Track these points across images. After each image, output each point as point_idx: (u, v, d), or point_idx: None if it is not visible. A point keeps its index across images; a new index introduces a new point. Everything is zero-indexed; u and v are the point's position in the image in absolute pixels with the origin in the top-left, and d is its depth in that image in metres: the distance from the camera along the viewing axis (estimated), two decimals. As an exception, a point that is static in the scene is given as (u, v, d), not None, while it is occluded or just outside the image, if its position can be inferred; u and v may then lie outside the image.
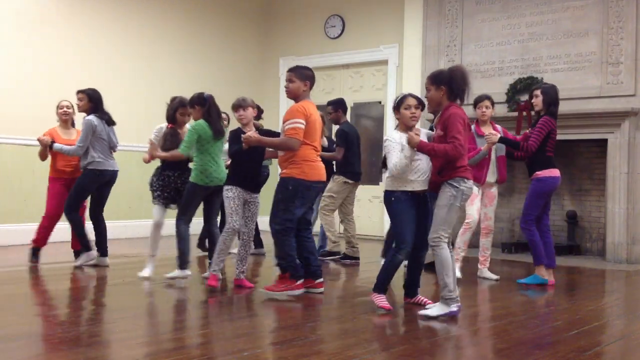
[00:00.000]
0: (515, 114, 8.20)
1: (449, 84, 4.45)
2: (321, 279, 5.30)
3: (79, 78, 7.95)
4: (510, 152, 6.11)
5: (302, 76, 5.12)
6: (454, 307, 4.37)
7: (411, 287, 4.84)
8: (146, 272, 5.76)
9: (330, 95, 9.89)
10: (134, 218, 8.90)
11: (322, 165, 5.18)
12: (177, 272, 5.68)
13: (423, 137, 4.57)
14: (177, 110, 5.83)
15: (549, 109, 5.87)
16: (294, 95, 5.16)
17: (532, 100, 6.01)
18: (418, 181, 4.54)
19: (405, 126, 4.57)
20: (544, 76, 8.20)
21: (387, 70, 9.92)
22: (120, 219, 8.71)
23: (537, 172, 5.82)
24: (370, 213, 10.02)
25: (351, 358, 3.44)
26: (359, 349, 3.64)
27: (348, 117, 10.33)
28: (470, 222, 6.10)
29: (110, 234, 6.62)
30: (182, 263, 5.66)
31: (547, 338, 4.00)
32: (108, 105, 6.61)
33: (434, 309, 4.41)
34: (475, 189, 6.03)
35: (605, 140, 7.88)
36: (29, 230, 7.44)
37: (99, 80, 8.74)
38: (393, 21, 9.74)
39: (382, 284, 4.65)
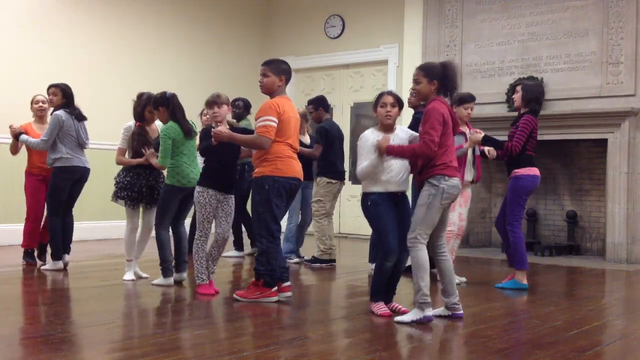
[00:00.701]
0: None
1: (442, 79, 4.31)
2: (288, 283, 5.05)
3: (79, 78, 7.95)
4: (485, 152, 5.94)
5: (278, 70, 4.83)
6: (428, 312, 4.19)
7: (386, 292, 4.57)
8: (129, 276, 5.65)
9: (330, 95, 9.89)
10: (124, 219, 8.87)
11: (297, 163, 4.89)
12: (160, 280, 5.43)
13: (404, 137, 4.43)
14: (146, 107, 5.58)
15: (528, 105, 5.72)
16: (268, 91, 4.87)
17: (513, 96, 5.87)
18: (393, 182, 4.37)
19: (381, 125, 4.45)
20: (544, 76, 8.20)
21: (387, 70, 9.92)
22: (111, 219, 8.67)
23: (516, 170, 5.66)
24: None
25: (351, 358, 3.44)
26: (359, 349, 3.64)
27: (348, 116, 10.42)
28: (452, 229, 5.87)
29: (101, 235, 6.57)
30: (165, 270, 5.40)
31: (547, 338, 3.99)
32: (107, 105, 6.63)
33: (408, 315, 4.25)
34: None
35: (605, 140, 7.88)
36: (29, 230, 7.44)
37: (97, 80, 8.77)
38: (393, 21, 9.73)
39: (377, 292, 4.51)
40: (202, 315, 4.61)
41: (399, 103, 4.46)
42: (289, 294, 5.02)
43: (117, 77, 9.04)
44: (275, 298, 4.84)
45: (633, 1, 7.71)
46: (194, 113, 9.53)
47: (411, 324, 4.17)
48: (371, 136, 4.42)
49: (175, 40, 9.85)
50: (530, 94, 5.72)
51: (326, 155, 6.87)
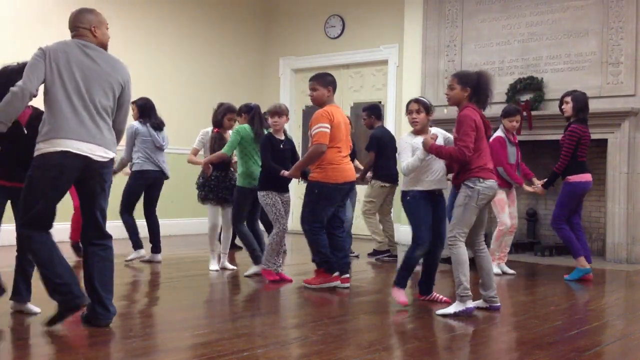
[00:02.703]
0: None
1: (475, 87, 4.55)
2: (347, 275, 5.49)
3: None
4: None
5: (325, 82, 5.40)
6: (470, 305, 4.46)
7: (426, 284, 4.98)
8: (214, 266, 6.26)
9: (330, 95, 9.88)
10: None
11: (349, 167, 5.41)
12: (254, 269, 5.98)
13: (440, 139, 4.74)
14: (225, 115, 6.17)
15: (577, 115, 6.13)
16: (319, 102, 5.42)
17: (562, 107, 6.30)
18: (431, 180, 4.69)
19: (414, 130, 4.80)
20: (544, 76, 8.20)
21: (387, 70, 9.91)
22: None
23: (568, 177, 6.13)
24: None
25: (351, 358, 3.44)
26: (359, 349, 3.64)
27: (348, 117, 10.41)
28: (502, 228, 6.38)
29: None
30: (256, 258, 5.95)
31: (547, 338, 4.00)
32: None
33: (451, 307, 4.49)
34: (503, 194, 6.33)
35: (605, 140, 7.88)
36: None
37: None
38: (393, 21, 9.73)
39: (401, 279, 4.81)
40: (202, 315, 4.61)
41: (425, 108, 4.75)
42: (347, 285, 5.47)
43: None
44: (336, 282, 5.37)
45: (633, 1, 7.70)
46: (192, 113, 9.56)
47: (454, 315, 4.42)
48: (409, 138, 4.75)
49: (175, 40, 9.84)
50: (580, 104, 6.19)
51: (379, 160, 7.34)
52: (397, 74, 9.70)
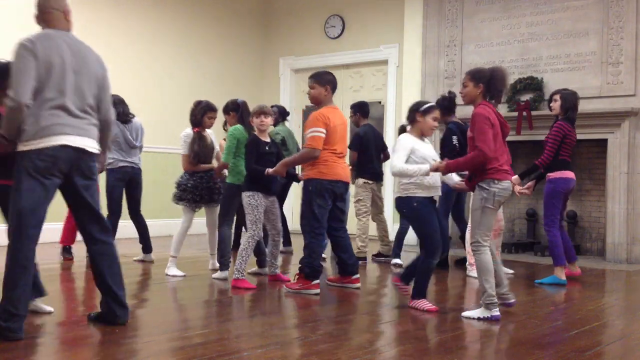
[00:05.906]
0: (516, 113, 8.22)
1: (488, 83, 4.49)
2: (357, 275, 5.47)
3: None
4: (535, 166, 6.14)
5: (323, 81, 5.27)
6: (495, 312, 4.35)
7: (408, 276, 4.86)
8: (173, 272, 5.92)
9: (330, 95, 9.88)
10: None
11: (342, 166, 5.30)
12: (218, 274, 5.79)
13: (427, 148, 4.73)
14: (205, 113, 5.98)
15: (566, 114, 6.03)
16: (316, 102, 5.32)
17: (550, 104, 6.19)
18: (435, 187, 4.66)
19: (420, 132, 4.74)
20: (543, 76, 8.20)
21: (387, 70, 9.92)
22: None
23: (549, 174, 5.99)
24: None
25: (351, 358, 3.44)
26: (359, 349, 3.64)
27: (348, 117, 10.37)
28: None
29: (120, 234, 6.77)
30: (224, 265, 5.75)
31: (547, 338, 4.00)
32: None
33: (476, 312, 4.41)
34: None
35: (605, 140, 7.88)
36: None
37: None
38: (393, 21, 9.73)
39: (421, 289, 4.69)
40: (202, 315, 4.61)
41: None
42: (357, 285, 5.44)
43: (115, 76, 9.02)
44: (316, 290, 5.14)
45: (633, 1, 7.71)
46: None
47: (478, 320, 4.32)
48: (408, 139, 4.67)
49: (174, 40, 9.84)
50: (568, 103, 6.05)
51: (362, 157, 7.21)
52: (397, 74, 9.70)
